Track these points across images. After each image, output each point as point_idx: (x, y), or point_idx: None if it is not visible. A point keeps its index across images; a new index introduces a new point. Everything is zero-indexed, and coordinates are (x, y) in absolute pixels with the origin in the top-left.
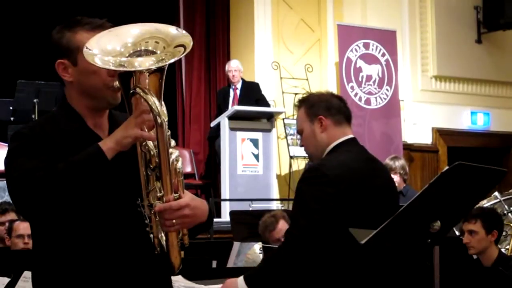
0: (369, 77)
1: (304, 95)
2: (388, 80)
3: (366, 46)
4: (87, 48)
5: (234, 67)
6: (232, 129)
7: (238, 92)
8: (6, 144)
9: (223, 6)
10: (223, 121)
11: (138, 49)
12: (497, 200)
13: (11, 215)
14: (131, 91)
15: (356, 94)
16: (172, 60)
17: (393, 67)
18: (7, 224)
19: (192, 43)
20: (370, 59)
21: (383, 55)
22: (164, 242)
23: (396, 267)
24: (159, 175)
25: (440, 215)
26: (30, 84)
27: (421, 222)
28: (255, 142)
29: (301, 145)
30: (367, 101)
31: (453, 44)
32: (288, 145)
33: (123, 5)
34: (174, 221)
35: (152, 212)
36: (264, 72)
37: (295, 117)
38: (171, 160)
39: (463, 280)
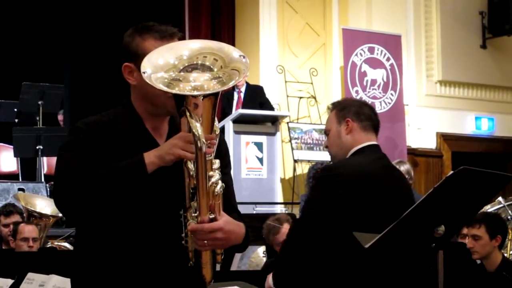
0: (373, 82)
1: (339, 100)
2: (392, 84)
3: (371, 50)
4: (142, 72)
5: None
6: (236, 132)
7: (242, 95)
8: (11, 146)
9: (229, 10)
10: (228, 124)
11: (194, 62)
12: (501, 205)
13: (16, 217)
14: (180, 111)
15: (360, 99)
16: (231, 83)
17: (397, 71)
18: (11, 226)
19: (246, 71)
20: (375, 63)
21: (388, 59)
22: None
23: (400, 271)
24: (196, 196)
25: (444, 219)
26: (34, 86)
27: (425, 227)
28: (259, 146)
29: (325, 146)
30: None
31: (458, 49)
32: (292, 148)
33: (129, 7)
34: (205, 241)
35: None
36: (269, 75)
37: (299, 121)
38: (209, 183)
39: (466, 285)
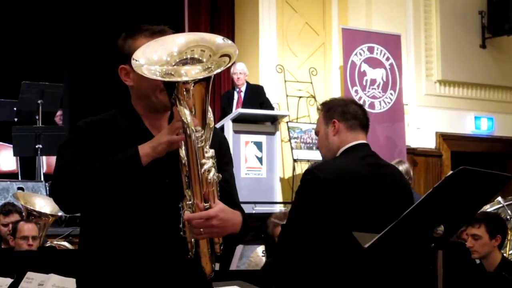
0: (373, 81)
1: (327, 99)
2: (392, 84)
3: (371, 50)
4: (134, 59)
5: (240, 70)
6: (236, 131)
7: (242, 95)
8: (10, 145)
9: (228, 9)
10: (227, 123)
11: (184, 57)
12: (500, 205)
13: (15, 216)
14: (171, 99)
15: (360, 98)
16: (218, 70)
17: (397, 71)
18: (11, 225)
19: (237, 53)
20: (374, 63)
21: (388, 59)
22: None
23: (399, 271)
24: (190, 183)
25: (443, 219)
26: (34, 85)
27: (425, 227)
28: (259, 145)
29: (317, 147)
30: (371, 105)
31: (457, 49)
32: (291, 148)
33: (128, 7)
34: (201, 229)
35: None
36: (269, 75)
37: (298, 120)
38: (202, 170)
39: (466, 285)
